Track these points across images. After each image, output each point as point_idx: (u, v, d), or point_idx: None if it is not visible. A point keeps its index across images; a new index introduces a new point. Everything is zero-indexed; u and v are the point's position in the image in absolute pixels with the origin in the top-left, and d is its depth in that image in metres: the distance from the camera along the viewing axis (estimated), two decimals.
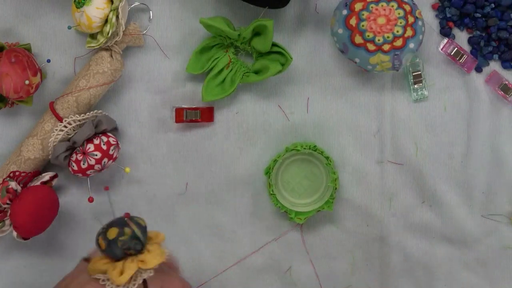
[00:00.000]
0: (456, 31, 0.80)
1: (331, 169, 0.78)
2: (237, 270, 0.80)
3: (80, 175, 0.75)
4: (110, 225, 0.62)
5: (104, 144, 0.74)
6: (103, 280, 0.62)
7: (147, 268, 0.61)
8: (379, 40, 0.73)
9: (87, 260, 0.67)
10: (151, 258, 0.61)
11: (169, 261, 0.65)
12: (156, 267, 0.61)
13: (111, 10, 0.75)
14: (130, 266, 0.61)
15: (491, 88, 0.80)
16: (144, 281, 0.63)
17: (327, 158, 0.78)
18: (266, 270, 0.80)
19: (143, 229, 0.62)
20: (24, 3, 0.79)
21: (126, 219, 0.62)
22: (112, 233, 0.62)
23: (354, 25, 0.74)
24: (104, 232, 0.62)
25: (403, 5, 0.74)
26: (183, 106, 0.79)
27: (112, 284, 0.61)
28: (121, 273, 0.61)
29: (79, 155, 0.74)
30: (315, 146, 0.77)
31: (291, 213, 0.78)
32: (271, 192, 0.78)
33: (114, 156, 0.76)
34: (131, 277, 0.61)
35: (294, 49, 0.80)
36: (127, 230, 0.61)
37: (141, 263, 0.61)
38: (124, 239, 0.61)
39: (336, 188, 0.78)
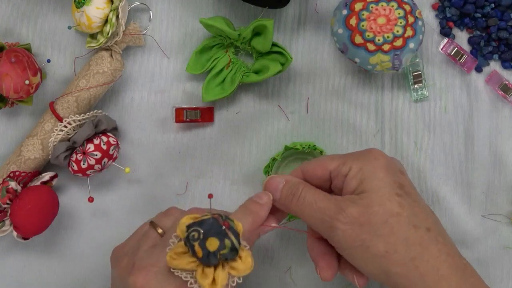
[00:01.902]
0: (456, 31, 0.80)
1: None
2: None
3: (80, 175, 0.75)
4: (209, 233, 0.58)
5: (104, 144, 0.74)
6: (191, 283, 0.59)
7: (237, 275, 0.59)
8: (379, 40, 0.73)
9: (153, 224, 0.66)
10: (243, 268, 0.59)
11: None
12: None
13: (111, 10, 0.75)
14: (222, 276, 0.58)
15: (491, 88, 0.80)
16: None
17: None
18: (266, 269, 0.80)
19: (238, 236, 0.59)
20: (24, 3, 0.79)
21: (225, 228, 0.58)
22: (213, 245, 0.58)
23: (354, 25, 0.74)
24: (203, 240, 0.58)
25: (403, 5, 0.74)
26: (183, 106, 0.79)
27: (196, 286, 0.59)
28: (213, 281, 0.58)
29: (79, 155, 0.74)
30: (314, 145, 0.77)
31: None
32: None
33: (114, 156, 0.76)
34: None
35: (294, 49, 0.80)
36: (227, 242, 0.58)
37: (232, 270, 0.59)
38: (225, 253, 0.58)
39: None
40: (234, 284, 0.60)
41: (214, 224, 0.59)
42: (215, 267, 0.59)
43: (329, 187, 0.67)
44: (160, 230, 0.66)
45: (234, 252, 0.59)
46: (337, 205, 0.63)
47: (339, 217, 0.62)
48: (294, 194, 0.66)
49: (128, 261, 0.63)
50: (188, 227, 0.59)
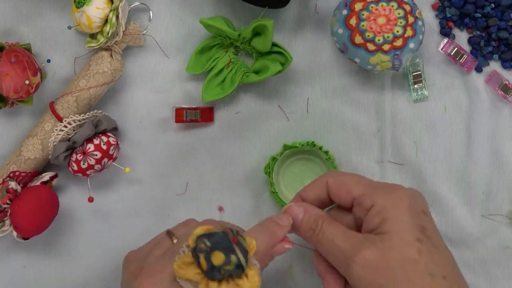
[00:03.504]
0: (456, 31, 0.80)
1: (331, 164, 0.77)
2: None
3: (80, 175, 0.75)
4: (215, 246, 0.57)
5: (104, 144, 0.74)
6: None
7: None
8: (379, 40, 0.73)
9: (169, 233, 0.65)
10: (248, 287, 0.57)
11: None
12: None
13: (111, 10, 0.75)
14: None
15: (491, 88, 0.80)
16: None
17: (326, 153, 0.77)
18: (266, 270, 0.80)
19: (246, 254, 0.58)
20: (24, 3, 0.79)
21: (233, 243, 0.58)
22: (218, 259, 0.57)
23: (354, 25, 0.74)
24: (208, 253, 0.57)
25: (403, 5, 0.74)
26: (183, 106, 0.79)
27: None
28: None
29: (79, 155, 0.74)
30: (313, 142, 0.77)
31: None
32: (273, 190, 0.78)
33: (114, 156, 0.76)
34: None
35: (294, 49, 0.80)
36: (233, 259, 0.57)
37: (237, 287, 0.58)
38: (229, 269, 0.57)
39: None
40: None
41: (223, 238, 0.58)
42: (219, 282, 0.58)
43: (351, 207, 0.66)
44: (175, 240, 0.64)
45: (240, 269, 0.57)
46: (354, 246, 0.61)
47: (356, 259, 0.60)
48: (313, 229, 0.64)
49: (137, 265, 0.63)
50: (198, 238, 0.58)
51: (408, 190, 0.64)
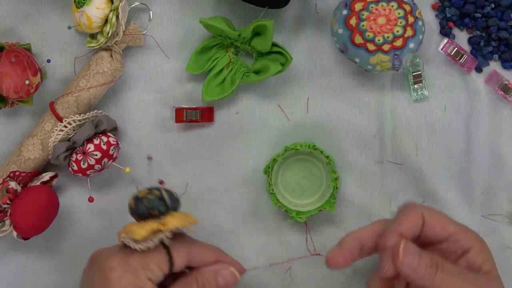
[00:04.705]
0: (456, 31, 0.80)
1: (331, 168, 0.77)
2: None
3: (80, 175, 0.75)
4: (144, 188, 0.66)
5: (104, 144, 0.74)
6: (124, 238, 0.64)
7: (165, 229, 0.63)
8: (379, 40, 0.73)
9: None
10: (171, 220, 0.63)
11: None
12: (176, 230, 0.63)
13: (111, 10, 0.75)
14: (150, 224, 0.63)
15: (491, 88, 0.80)
16: (168, 250, 0.64)
17: (327, 157, 0.77)
18: (266, 270, 0.80)
19: (172, 196, 0.65)
20: (24, 3, 0.79)
21: (159, 185, 0.66)
22: (142, 192, 0.65)
23: (354, 25, 0.74)
24: (136, 193, 0.65)
25: (403, 5, 0.74)
26: (183, 106, 0.79)
27: (130, 241, 0.64)
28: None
29: (79, 155, 0.74)
30: (314, 145, 0.77)
31: (291, 213, 0.78)
32: (271, 191, 0.78)
33: (114, 156, 0.76)
34: (150, 237, 0.63)
35: (294, 49, 0.80)
36: (155, 191, 0.65)
37: (162, 225, 0.63)
38: (150, 198, 0.64)
39: (336, 188, 0.78)
40: (161, 238, 0.63)
41: (154, 186, 0.66)
42: (146, 219, 0.64)
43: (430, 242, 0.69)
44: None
45: (162, 202, 0.64)
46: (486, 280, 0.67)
47: None
48: (438, 265, 0.65)
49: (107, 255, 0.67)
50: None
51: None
